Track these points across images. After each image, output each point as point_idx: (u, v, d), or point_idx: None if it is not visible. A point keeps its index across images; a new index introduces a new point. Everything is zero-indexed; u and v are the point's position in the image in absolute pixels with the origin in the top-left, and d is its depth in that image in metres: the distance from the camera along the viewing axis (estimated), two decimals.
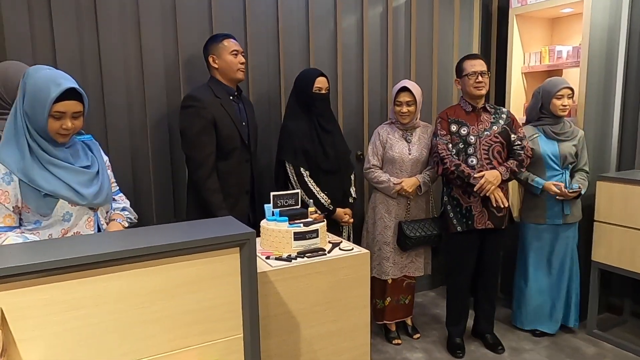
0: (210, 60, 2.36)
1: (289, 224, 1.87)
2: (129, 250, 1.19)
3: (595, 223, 2.78)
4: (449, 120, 2.61)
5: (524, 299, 2.89)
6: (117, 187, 1.87)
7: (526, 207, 2.84)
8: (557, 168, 2.74)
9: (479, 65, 2.56)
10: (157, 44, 2.50)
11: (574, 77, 2.95)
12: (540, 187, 2.70)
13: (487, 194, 2.50)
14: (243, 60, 2.39)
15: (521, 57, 3.28)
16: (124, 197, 1.90)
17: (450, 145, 2.58)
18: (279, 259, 1.78)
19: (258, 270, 1.53)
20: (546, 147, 2.72)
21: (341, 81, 3.05)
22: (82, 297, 1.17)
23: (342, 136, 2.69)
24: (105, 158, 1.77)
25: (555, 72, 3.20)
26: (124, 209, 1.84)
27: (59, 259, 1.12)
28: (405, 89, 2.63)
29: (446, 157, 2.55)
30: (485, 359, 2.67)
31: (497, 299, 2.87)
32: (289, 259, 1.77)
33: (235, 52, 2.35)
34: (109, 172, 1.77)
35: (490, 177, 2.49)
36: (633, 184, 2.60)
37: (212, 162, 2.25)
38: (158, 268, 1.25)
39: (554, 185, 2.68)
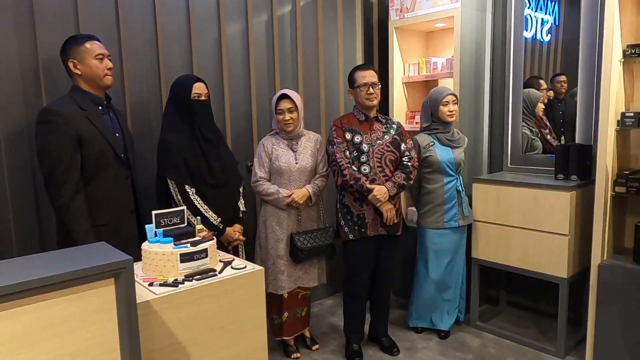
0: (71, 65, 2.04)
1: (175, 244, 1.71)
2: None
3: (473, 222, 2.98)
4: (344, 128, 2.63)
5: (423, 300, 2.99)
6: None
7: (424, 213, 2.92)
8: (452, 174, 2.87)
9: (369, 76, 2.60)
10: (10, 43, 2.15)
11: (448, 87, 3.15)
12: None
13: (378, 207, 2.56)
14: (110, 65, 2.11)
15: (401, 68, 3.44)
16: None
17: (347, 153, 2.59)
18: (164, 284, 1.61)
19: (139, 300, 1.36)
20: (442, 154, 2.84)
21: (227, 89, 2.93)
22: None
23: (227, 147, 2.56)
24: None
25: (432, 82, 3.41)
26: None
27: None
28: (284, 96, 2.60)
29: (346, 167, 2.55)
30: None
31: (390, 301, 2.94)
32: (175, 283, 1.61)
33: (100, 56, 2.06)
34: None
35: (378, 195, 2.53)
36: (503, 184, 2.83)
37: (76, 184, 1.94)
38: (8, 313, 1.04)
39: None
